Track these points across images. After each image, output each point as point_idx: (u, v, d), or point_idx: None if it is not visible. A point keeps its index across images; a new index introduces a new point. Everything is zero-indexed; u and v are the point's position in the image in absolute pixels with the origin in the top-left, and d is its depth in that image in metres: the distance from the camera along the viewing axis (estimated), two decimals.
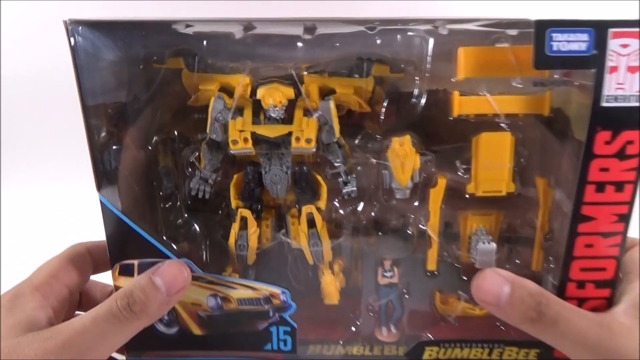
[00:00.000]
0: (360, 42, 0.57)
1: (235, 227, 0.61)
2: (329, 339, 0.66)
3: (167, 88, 0.60)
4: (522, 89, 0.55)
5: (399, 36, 0.56)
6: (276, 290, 0.61)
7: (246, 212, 0.61)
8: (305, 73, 0.58)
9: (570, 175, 0.54)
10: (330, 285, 0.63)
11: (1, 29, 0.83)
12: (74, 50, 0.53)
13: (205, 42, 0.57)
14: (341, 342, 0.66)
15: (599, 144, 0.51)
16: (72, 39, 0.53)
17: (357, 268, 0.65)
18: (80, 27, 0.53)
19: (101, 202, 0.57)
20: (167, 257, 0.58)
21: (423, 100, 0.58)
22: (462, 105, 0.54)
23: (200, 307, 0.61)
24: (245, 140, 0.57)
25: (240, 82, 0.57)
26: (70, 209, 1.08)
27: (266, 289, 0.61)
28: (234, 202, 0.61)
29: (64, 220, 1.10)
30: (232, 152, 0.57)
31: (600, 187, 0.52)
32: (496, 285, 0.53)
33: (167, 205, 0.63)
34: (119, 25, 0.56)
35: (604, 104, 0.50)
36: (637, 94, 0.50)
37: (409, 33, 0.55)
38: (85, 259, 0.63)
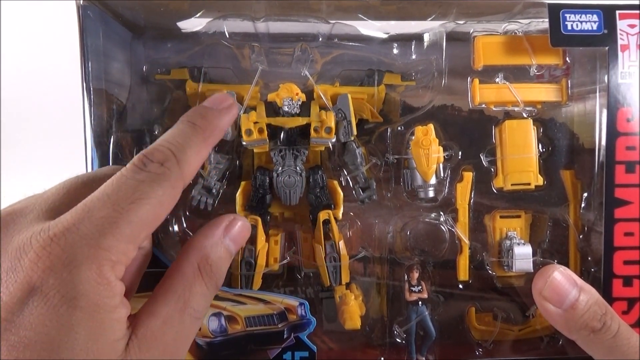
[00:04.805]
0: None
1: None
2: None
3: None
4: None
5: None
6: (293, 302, 0.52)
7: (255, 219, 0.54)
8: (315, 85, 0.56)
9: None
10: (352, 306, 0.54)
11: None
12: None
13: None
14: None
15: (621, 122, 0.52)
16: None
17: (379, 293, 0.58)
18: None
19: None
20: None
21: None
22: (482, 94, 0.54)
23: (199, 332, 0.50)
24: (261, 130, 0.53)
25: (254, 81, 0.55)
26: None
27: (282, 300, 0.52)
28: (240, 214, 0.55)
29: None
30: (245, 143, 0.53)
31: (630, 167, 0.52)
32: (565, 286, 0.49)
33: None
34: None
35: (620, 81, 0.51)
36: None
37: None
38: None
